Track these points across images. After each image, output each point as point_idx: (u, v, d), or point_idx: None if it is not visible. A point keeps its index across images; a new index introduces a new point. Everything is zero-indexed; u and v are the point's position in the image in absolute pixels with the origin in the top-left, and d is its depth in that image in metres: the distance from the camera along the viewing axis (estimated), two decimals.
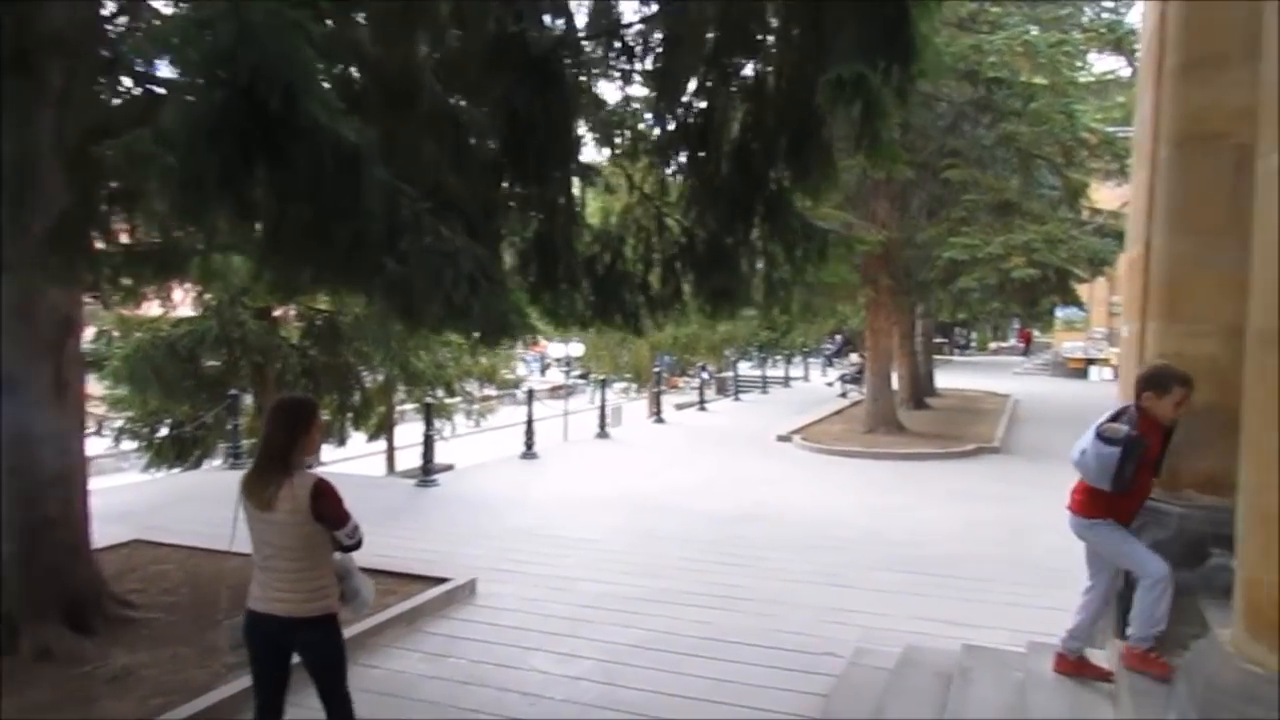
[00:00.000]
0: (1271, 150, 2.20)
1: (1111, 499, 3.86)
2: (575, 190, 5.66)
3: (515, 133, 4.25)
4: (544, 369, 46.86)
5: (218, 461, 15.01)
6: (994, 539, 9.06)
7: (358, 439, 18.67)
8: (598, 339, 25.49)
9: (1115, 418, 3.85)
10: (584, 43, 5.78)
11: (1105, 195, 17.69)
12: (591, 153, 6.69)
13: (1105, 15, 15.93)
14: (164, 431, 15.75)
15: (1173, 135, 4.04)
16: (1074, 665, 4.36)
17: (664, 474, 13.09)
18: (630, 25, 5.87)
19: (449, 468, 14.23)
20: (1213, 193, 3.72)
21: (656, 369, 21.55)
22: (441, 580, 6.98)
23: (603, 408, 17.10)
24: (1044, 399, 23.44)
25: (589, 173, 5.26)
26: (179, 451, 15.58)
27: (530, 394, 15.23)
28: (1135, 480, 3.75)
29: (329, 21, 3.87)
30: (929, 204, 15.80)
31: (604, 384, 17.96)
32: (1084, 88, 15.29)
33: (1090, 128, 14.46)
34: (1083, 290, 20.13)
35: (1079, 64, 15.76)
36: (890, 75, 4.02)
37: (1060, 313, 27.90)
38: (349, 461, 17.84)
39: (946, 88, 16.43)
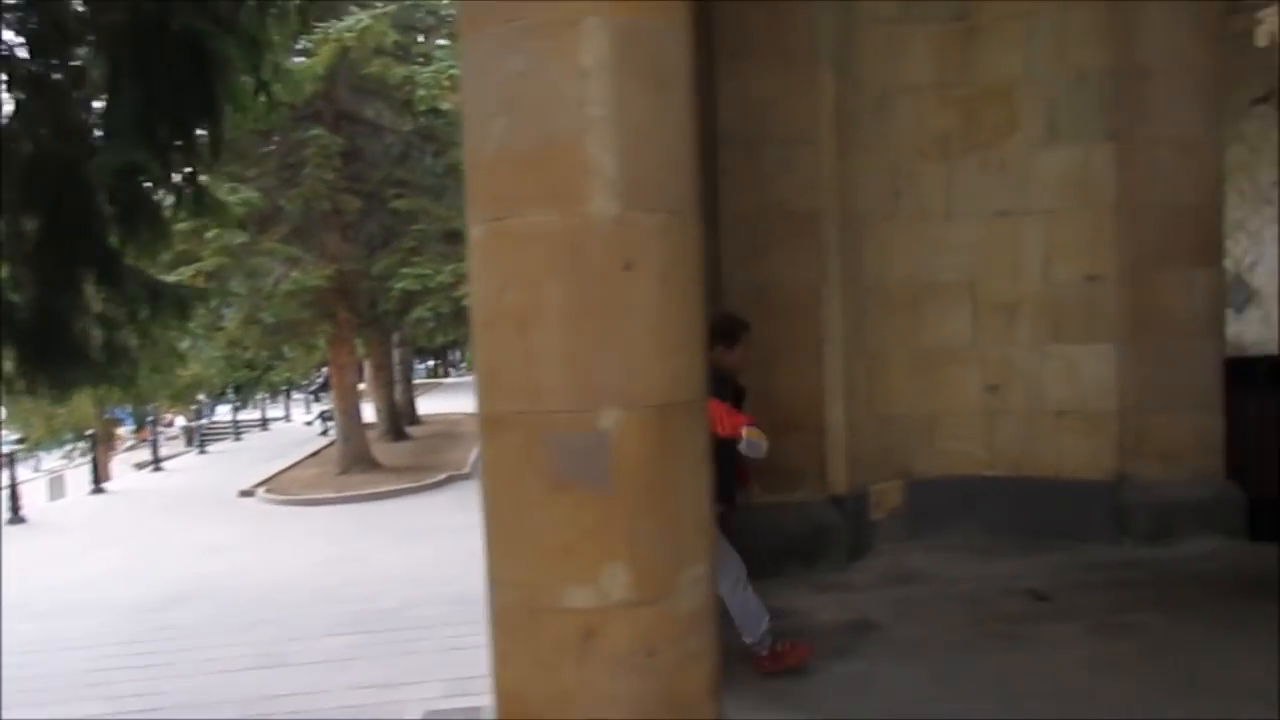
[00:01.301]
0: (475, 221, 2.09)
1: None
2: None
3: None
4: None
5: None
6: (445, 577, 8.94)
7: None
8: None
9: None
10: None
11: None
12: None
13: None
14: None
15: None
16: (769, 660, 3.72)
17: (85, 560, 11.09)
18: None
19: None
20: None
21: (91, 432, 18.35)
22: None
23: (14, 485, 14.12)
24: None
25: None
26: None
27: None
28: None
29: None
30: (381, 234, 15.60)
31: (12, 456, 14.81)
32: None
33: None
34: None
35: None
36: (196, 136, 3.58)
37: None
38: None
39: (398, 118, 16.44)
